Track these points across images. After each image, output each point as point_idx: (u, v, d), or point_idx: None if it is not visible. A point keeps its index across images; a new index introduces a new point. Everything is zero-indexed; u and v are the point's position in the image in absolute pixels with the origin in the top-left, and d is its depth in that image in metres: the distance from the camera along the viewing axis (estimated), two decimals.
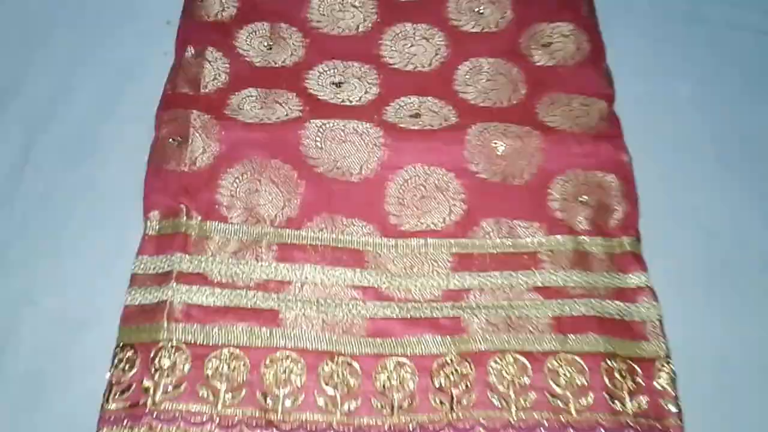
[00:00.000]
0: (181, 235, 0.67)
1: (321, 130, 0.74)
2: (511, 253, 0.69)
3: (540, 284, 0.67)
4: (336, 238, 0.69)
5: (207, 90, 0.77)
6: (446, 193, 0.72)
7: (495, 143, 0.74)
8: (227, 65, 0.79)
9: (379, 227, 0.70)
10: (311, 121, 0.74)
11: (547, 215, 0.71)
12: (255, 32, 0.82)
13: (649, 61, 0.85)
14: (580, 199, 0.72)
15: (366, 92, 0.78)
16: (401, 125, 0.75)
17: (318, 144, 0.73)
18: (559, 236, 0.70)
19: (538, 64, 0.81)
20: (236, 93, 0.77)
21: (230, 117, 0.74)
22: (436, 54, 0.82)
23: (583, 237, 0.70)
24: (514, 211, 0.71)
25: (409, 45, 0.82)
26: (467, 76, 0.80)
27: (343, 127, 0.74)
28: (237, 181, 0.71)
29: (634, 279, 0.68)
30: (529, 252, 0.69)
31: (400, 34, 0.83)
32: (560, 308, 0.66)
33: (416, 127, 0.75)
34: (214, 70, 0.78)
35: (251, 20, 0.83)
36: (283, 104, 0.76)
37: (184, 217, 0.68)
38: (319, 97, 0.77)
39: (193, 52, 0.80)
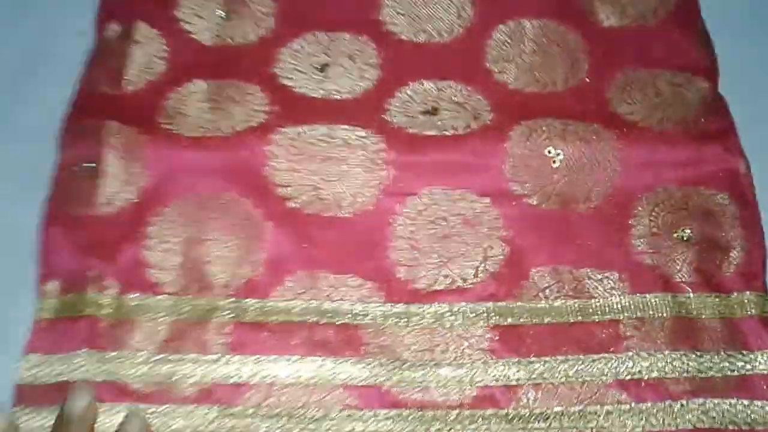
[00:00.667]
0: (88, 320, 0.45)
1: (296, 142, 0.51)
2: (579, 322, 0.46)
3: (626, 375, 0.45)
4: (319, 308, 0.47)
5: (133, 86, 0.54)
6: (479, 228, 0.49)
7: (550, 151, 0.51)
8: (165, 47, 0.56)
9: (382, 286, 0.48)
10: (281, 129, 0.51)
11: (630, 260, 0.48)
12: None
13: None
14: (679, 233, 0.49)
15: (361, 77, 0.54)
16: (411, 129, 0.52)
17: (292, 164, 0.50)
18: (650, 295, 0.47)
19: (605, 24, 0.57)
20: (176, 89, 0.54)
21: (165, 128, 0.51)
22: (460, 15, 0.57)
23: (686, 295, 0.47)
24: (580, 254, 0.48)
25: (421, 3, 0.58)
26: (504, 47, 0.56)
27: (327, 137, 0.51)
28: (172, 228, 0.48)
29: (764, 360, 0.45)
30: (606, 321, 0.46)
31: None
32: (659, 418, 0.44)
33: (433, 132, 0.51)
34: (146, 56, 0.55)
35: None
36: (243, 103, 0.53)
37: (95, 290, 0.46)
38: (294, 90, 0.54)
39: (117, 30, 0.56)
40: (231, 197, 0.49)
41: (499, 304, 0.47)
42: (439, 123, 0.52)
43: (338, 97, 0.54)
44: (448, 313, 0.47)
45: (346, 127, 0.52)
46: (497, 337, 0.46)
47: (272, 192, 0.50)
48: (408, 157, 0.51)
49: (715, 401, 0.44)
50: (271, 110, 0.52)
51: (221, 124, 0.51)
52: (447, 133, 0.51)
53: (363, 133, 0.51)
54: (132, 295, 0.46)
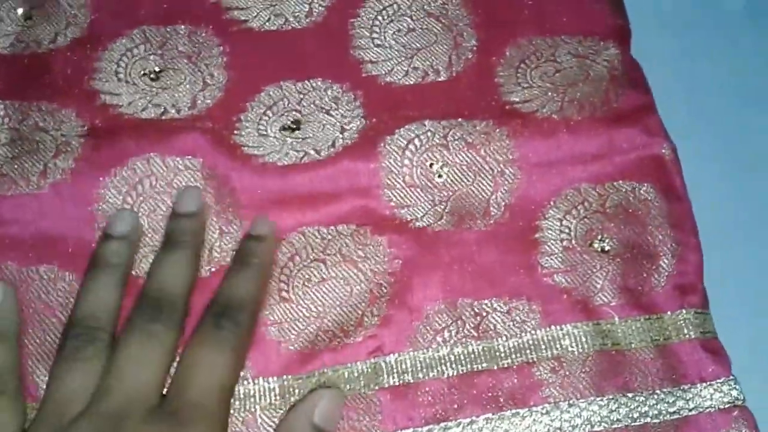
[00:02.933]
0: None
1: (130, 188, 0.41)
2: (486, 371, 0.38)
3: None
4: None
5: None
6: (363, 266, 0.40)
7: (431, 164, 0.41)
8: None
9: (253, 356, 0.38)
10: (107, 176, 0.41)
11: (541, 284, 0.39)
12: None
13: None
14: (596, 243, 0.40)
15: (203, 87, 0.44)
16: (266, 158, 0.42)
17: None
18: (568, 326, 0.38)
19: None
20: None
21: None
22: None
23: (610, 321, 0.38)
24: (481, 282, 0.39)
25: None
26: (374, 29, 0.46)
27: (168, 184, 0.41)
28: None
29: (708, 394, 0.37)
30: (517, 366, 0.38)
31: None
32: None
33: (291, 159, 0.41)
34: None
35: None
36: (53, 132, 0.42)
37: None
38: (119, 110, 0.43)
39: None
40: (51, 274, 0.39)
41: (388, 358, 0.38)
42: (302, 139, 0.42)
43: (176, 115, 0.43)
44: (330, 381, 0.38)
45: (179, 160, 0.41)
46: (387, 403, 0.37)
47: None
48: (266, 195, 0.41)
49: None
50: (85, 143, 0.42)
51: (26, 172, 0.41)
52: (309, 158, 0.41)
53: (209, 173, 0.41)
54: None
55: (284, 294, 0.39)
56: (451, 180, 0.41)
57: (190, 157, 0.41)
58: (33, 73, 0.44)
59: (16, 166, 0.41)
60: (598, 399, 0.37)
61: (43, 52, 0.44)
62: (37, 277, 0.39)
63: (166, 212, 0.40)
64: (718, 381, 0.37)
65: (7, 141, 0.41)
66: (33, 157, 0.41)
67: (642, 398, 0.37)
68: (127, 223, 0.38)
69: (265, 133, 0.42)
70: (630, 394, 0.37)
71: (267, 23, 0.46)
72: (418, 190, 0.41)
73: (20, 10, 0.46)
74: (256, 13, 0.46)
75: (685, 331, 0.38)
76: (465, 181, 0.41)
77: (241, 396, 0.37)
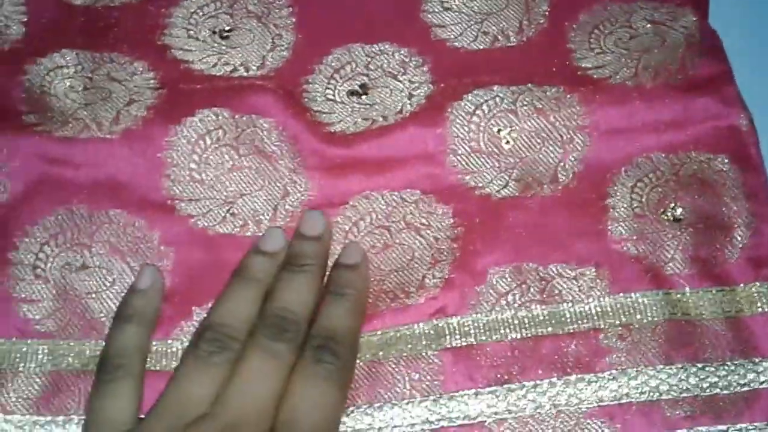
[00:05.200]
0: None
1: (199, 138, 0.41)
2: (550, 335, 0.37)
3: (611, 399, 0.36)
4: None
5: None
6: (426, 233, 0.40)
7: (499, 129, 0.41)
8: (23, 6, 0.45)
9: None
10: (179, 124, 0.41)
11: (610, 251, 0.39)
12: None
13: None
14: (668, 212, 0.39)
15: (272, 49, 0.44)
16: (335, 126, 0.42)
17: (194, 172, 0.41)
18: (636, 294, 0.38)
19: None
20: (37, 60, 0.43)
21: (22, 123, 0.41)
22: None
23: (681, 291, 0.38)
24: (547, 247, 0.39)
25: None
26: None
27: (235, 138, 0.41)
28: (48, 252, 0.39)
29: None
30: (583, 331, 0.37)
31: None
32: None
33: (359, 127, 0.41)
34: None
35: None
36: (126, 83, 0.43)
37: None
38: (189, 65, 0.44)
39: None
40: (120, 217, 0.40)
41: (450, 320, 0.38)
42: (369, 105, 0.42)
43: (245, 74, 0.43)
44: (393, 341, 0.38)
45: (256, 120, 0.42)
46: (449, 364, 0.37)
47: (173, 208, 0.40)
48: (334, 158, 0.41)
49: (722, 428, 0.35)
50: (161, 94, 0.42)
51: (99, 115, 0.41)
52: (377, 125, 0.41)
53: (275, 133, 0.41)
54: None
55: None
56: (519, 146, 0.40)
57: (258, 115, 0.41)
58: (106, 25, 0.45)
59: (89, 112, 0.42)
60: (667, 367, 0.36)
61: (116, 5, 0.45)
62: (107, 221, 0.40)
63: (231, 166, 0.41)
64: None
65: (80, 88, 0.42)
66: (107, 104, 0.42)
67: (712, 369, 0.36)
68: (278, 242, 0.38)
69: (332, 98, 0.42)
70: (700, 364, 0.36)
71: None
72: (485, 156, 0.40)
73: None
74: None
75: (759, 304, 0.37)
76: (533, 147, 0.40)
77: None
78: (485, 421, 0.36)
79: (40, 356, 0.37)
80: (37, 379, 0.37)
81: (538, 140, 0.40)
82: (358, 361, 0.37)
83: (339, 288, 0.37)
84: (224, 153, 0.41)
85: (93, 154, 0.40)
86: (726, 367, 0.36)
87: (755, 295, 0.37)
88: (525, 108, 0.41)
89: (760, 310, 0.37)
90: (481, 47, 0.43)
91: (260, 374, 0.33)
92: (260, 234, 0.39)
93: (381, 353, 0.37)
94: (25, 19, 0.44)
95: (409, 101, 0.42)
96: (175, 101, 0.42)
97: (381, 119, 0.41)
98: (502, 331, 0.37)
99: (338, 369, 0.34)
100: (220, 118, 0.41)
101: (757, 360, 0.36)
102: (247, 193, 0.40)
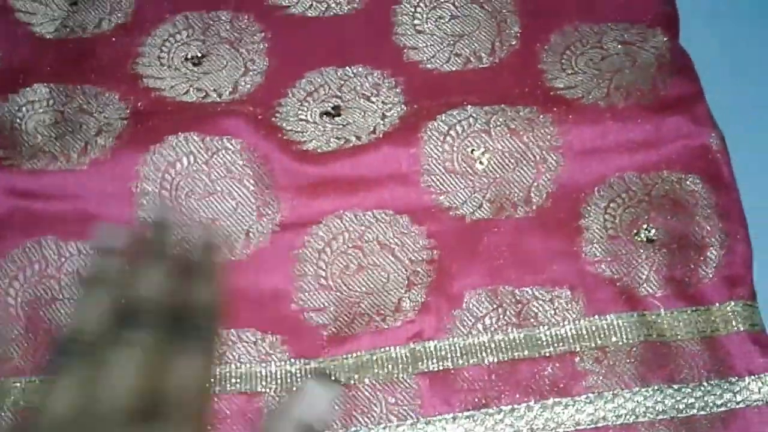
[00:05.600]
0: None
1: (168, 166, 0.41)
2: (527, 359, 0.37)
3: (588, 423, 0.36)
4: (224, 371, 0.37)
5: None
6: (400, 254, 0.39)
7: (473, 150, 0.41)
8: None
9: (289, 339, 0.38)
10: (146, 153, 0.41)
11: (584, 273, 0.39)
12: None
13: None
14: (641, 233, 0.39)
15: (244, 74, 0.44)
16: (307, 144, 0.42)
17: (166, 200, 0.40)
18: (611, 315, 0.38)
19: None
20: (11, 96, 0.43)
21: None
22: None
23: (655, 312, 0.38)
24: (522, 270, 0.39)
25: None
26: (417, 15, 0.45)
27: (205, 163, 0.41)
28: (17, 287, 0.39)
29: (756, 387, 0.36)
30: (559, 354, 0.37)
31: None
32: None
33: (332, 145, 0.41)
34: None
35: None
36: (97, 115, 0.42)
37: None
38: (161, 93, 0.43)
39: None
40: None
41: (427, 344, 0.38)
42: (340, 129, 0.42)
43: (217, 99, 0.43)
44: (367, 366, 0.37)
45: (227, 142, 0.41)
46: (426, 388, 0.37)
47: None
48: (305, 179, 0.41)
49: None
50: (129, 124, 0.42)
51: (69, 149, 0.41)
52: (350, 144, 0.41)
53: (248, 155, 0.41)
54: None
55: (322, 281, 0.39)
56: (493, 167, 0.40)
57: (229, 137, 0.41)
58: (78, 58, 0.44)
59: (58, 145, 0.41)
60: (644, 389, 0.36)
61: (88, 37, 0.45)
62: (76, 252, 0.39)
63: (203, 191, 0.40)
64: (766, 374, 0.36)
65: (51, 122, 0.42)
66: (75, 136, 0.41)
67: (688, 390, 0.36)
68: (115, 238, 0.38)
69: (305, 118, 0.42)
70: (676, 386, 0.36)
71: (309, 9, 0.46)
72: (458, 176, 0.40)
73: None
74: (298, 0, 0.46)
75: (734, 323, 0.37)
76: (506, 167, 0.40)
77: (278, 376, 0.37)
78: None
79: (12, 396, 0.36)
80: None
81: (512, 161, 0.40)
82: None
83: (195, 265, 0.37)
84: (195, 179, 0.40)
85: (61, 185, 0.40)
86: (702, 388, 0.36)
87: (730, 314, 0.37)
88: (498, 128, 0.41)
89: (735, 329, 0.37)
90: (454, 68, 0.43)
91: (119, 364, 0.32)
92: (233, 260, 0.39)
93: (356, 376, 0.37)
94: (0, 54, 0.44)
95: (382, 122, 0.42)
96: (144, 129, 0.41)
97: (354, 139, 0.41)
98: (479, 355, 0.37)
99: (202, 341, 0.34)
100: (189, 142, 0.41)
101: (733, 380, 0.36)
102: (220, 217, 0.40)
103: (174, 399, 0.32)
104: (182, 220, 0.40)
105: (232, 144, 0.41)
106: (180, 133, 0.41)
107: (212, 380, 0.35)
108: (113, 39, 0.45)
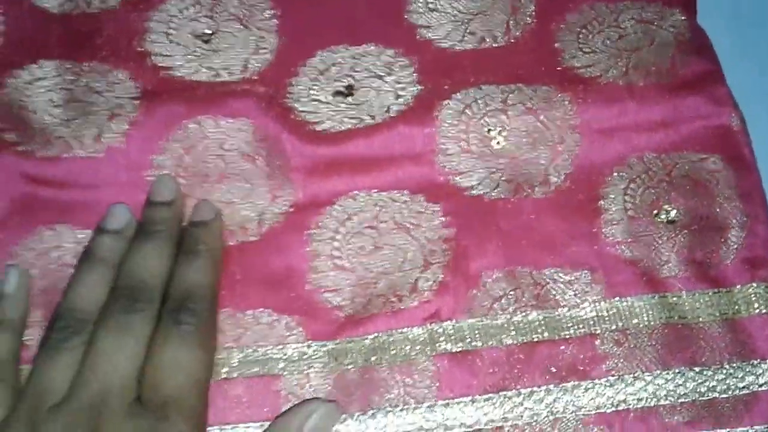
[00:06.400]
0: None
1: (184, 152, 0.40)
2: (546, 341, 0.37)
3: (609, 406, 0.35)
4: (227, 360, 0.36)
5: None
6: (416, 233, 0.39)
7: (489, 129, 0.40)
8: (0, 18, 0.43)
9: (305, 320, 0.37)
10: (161, 140, 0.40)
11: (604, 254, 0.38)
12: None
13: None
14: (662, 214, 0.39)
15: (254, 52, 0.43)
16: (320, 125, 0.41)
17: (182, 188, 0.39)
18: (632, 298, 0.37)
19: None
20: (15, 72, 0.41)
21: (3, 141, 0.40)
22: None
23: (677, 294, 0.37)
24: (541, 251, 0.38)
25: None
26: None
27: (220, 146, 0.40)
28: (37, 275, 0.38)
29: None
30: (579, 337, 0.37)
31: None
32: None
33: (346, 125, 0.40)
34: None
35: None
36: (107, 94, 0.41)
37: None
38: (171, 72, 0.42)
39: None
40: None
41: (445, 324, 0.37)
42: (355, 105, 0.41)
43: (228, 79, 0.42)
44: (385, 345, 0.37)
45: (237, 122, 0.40)
46: (444, 370, 0.36)
47: None
48: (318, 160, 0.40)
49: None
50: (140, 104, 0.41)
51: (80, 133, 0.40)
52: (363, 123, 0.40)
53: (261, 136, 0.40)
54: None
55: (337, 261, 0.38)
56: (509, 146, 0.40)
57: (243, 118, 0.40)
58: (84, 33, 0.43)
59: (71, 129, 0.40)
60: (665, 372, 0.35)
61: (94, 12, 0.43)
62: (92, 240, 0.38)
63: (218, 175, 0.39)
64: None
65: (61, 102, 0.41)
66: (87, 120, 0.40)
67: (710, 372, 0.35)
68: (122, 219, 0.37)
69: (318, 98, 0.41)
70: (697, 368, 0.35)
71: None
72: (475, 156, 0.40)
73: None
74: None
75: (756, 305, 0.36)
76: (523, 147, 0.40)
77: (295, 358, 0.36)
78: (481, 429, 0.35)
79: None
80: None
81: (529, 140, 0.40)
82: (350, 366, 0.36)
83: (191, 246, 0.36)
84: (209, 163, 0.39)
85: (77, 173, 0.39)
86: (724, 371, 0.35)
87: (752, 296, 0.37)
88: (515, 107, 0.40)
89: (757, 311, 0.36)
90: (469, 47, 0.42)
91: (115, 349, 0.32)
92: (246, 241, 0.38)
93: (374, 358, 0.36)
94: (2, 29, 0.42)
95: (395, 101, 0.41)
96: (158, 115, 0.40)
97: (368, 118, 0.40)
98: (497, 337, 0.37)
99: (197, 328, 0.33)
100: (203, 127, 0.40)
101: (755, 362, 0.35)
102: (235, 201, 0.39)
103: (170, 393, 0.31)
104: (186, 198, 0.38)
105: (245, 125, 0.40)
106: (194, 118, 0.40)
107: (210, 368, 0.34)
108: (119, 14, 0.43)
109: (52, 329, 0.34)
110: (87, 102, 0.41)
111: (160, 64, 0.42)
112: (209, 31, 0.43)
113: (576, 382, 0.35)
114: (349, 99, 0.41)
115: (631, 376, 0.35)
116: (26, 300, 0.36)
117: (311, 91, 0.42)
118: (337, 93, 0.42)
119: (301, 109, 0.41)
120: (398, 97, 0.41)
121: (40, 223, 0.38)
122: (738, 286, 0.37)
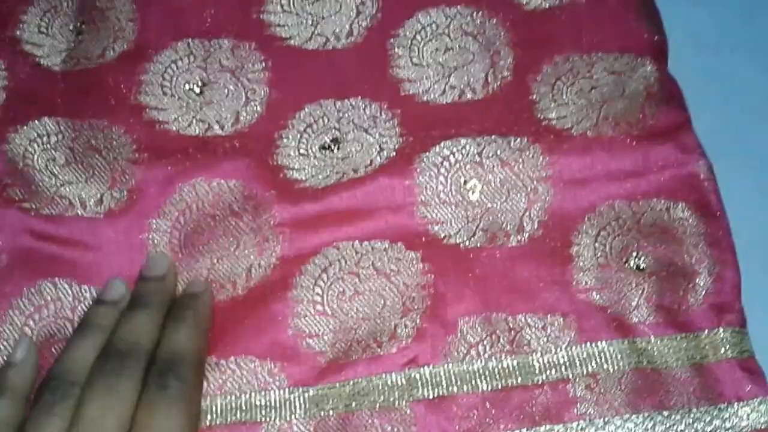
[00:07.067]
0: None
1: (179, 214, 0.42)
2: (520, 386, 0.38)
3: None
4: (224, 402, 0.38)
5: None
6: (396, 280, 0.40)
7: (465, 181, 0.42)
8: (4, 74, 0.45)
9: (287, 365, 0.39)
10: (158, 205, 0.42)
11: (576, 300, 0.39)
12: (55, 9, 0.47)
13: None
14: (632, 261, 0.40)
15: (245, 104, 0.45)
16: (306, 182, 0.43)
17: (174, 247, 0.41)
18: (603, 343, 0.38)
19: (528, 6, 0.47)
20: (18, 129, 0.44)
21: (8, 197, 0.42)
22: (359, 12, 0.47)
23: (646, 339, 0.38)
24: (515, 297, 0.40)
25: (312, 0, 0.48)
26: (412, 47, 0.46)
27: (211, 206, 0.42)
28: (32, 325, 0.40)
29: (745, 413, 0.37)
30: (552, 382, 0.38)
31: None
32: None
33: (331, 180, 0.42)
34: None
35: None
36: (106, 153, 0.43)
37: None
38: (165, 126, 0.44)
39: None
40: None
41: (422, 370, 0.39)
42: (341, 158, 0.43)
43: (220, 132, 0.44)
44: (365, 391, 0.38)
45: (231, 185, 0.42)
46: (421, 415, 0.38)
47: None
48: (304, 214, 0.42)
49: None
50: (139, 158, 0.43)
51: (83, 193, 0.42)
52: (348, 177, 0.42)
53: (249, 195, 0.42)
54: None
55: (318, 307, 0.40)
56: (485, 197, 0.41)
57: (233, 180, 0.42)
58: (84, 89, 0.45)
59: (73, 190, 0.42)
60: (634, 416, 0.37)
61: (93, 67, 0.46)
62: (90, 297, 0.40)
63: (208, 233, 0.41)
64: (755, 400, 0.37)
65: (63, 162, 0.43)
66: (89, 183, 0.42)
67: (678, 416, 0.37)
68: (118, 291, 0.39)
69: (305, 153, 0.43)
70: (666, 413, 0.37)
71: (308, 42, 0.47)
72: (452, 206, 0.41)
73: (74, 25, 0.47)
74: (298, 32, 0.47)
75: (722, 350, 0.38)
76: (498, 197, 0.41)
77: (277, 405, 0.38)
78: None
79: None
80: None
81: (504, 191, 0.41)
82: (331, 412, 0.38)
83: (179, 313, 0.38)
84: (201, 222, 0.41)
85: (77, 232, 0.41)
86: (692, 415, 0.37)
87: (719, 341, 0.38)
88: (490, 159, 0.42)
89: (724, 356, 0.37)
90: (449, 101, 0.44)
91: (101, 412, 0.33)
92: (234, 295, 0.40)
93: (353, 404, 0.38)
94: (5, 84, 0.45)
95: (378, 155, 0.43)
96: (155, 180, 0.42)
97: (352, 173, 0.42)
98: (473, 382, 0.38)
99: (183, 391, 0.34)
100: (197, 188, 0.42)
101: (722, 406, 0.37)
102: (224, 256, 0.41)
103: None
104: (178, 270, 0.41)
105: (235, 186, 0.42)
106: (188, 181, 0.42)
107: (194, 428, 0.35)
108: (116, 67, 0.45)
109: (44, 390, 0.35)
110: (88, 164, 0.43)
111: (154, 118, 0.44)
112: (201, 83, 0.45)
113: (549, 426, 0.37)
114: (336, 152, 0.43)
115: (602, 420, 0.37)
116: (33, 370, 0.38)
117: (300, 145, 0.44)
118: (324, 147, 0.44)
119: (290, 166, 0.43)
120: (381, 150, 0.43)
121: (41, 276, 0.40)
122: (705, 331, 0.38)
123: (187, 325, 0.37)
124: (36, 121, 0.44)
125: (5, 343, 0.39)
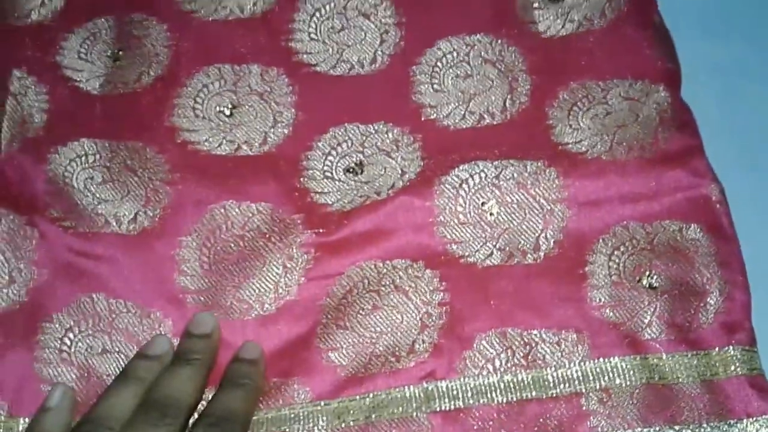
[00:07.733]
0: None
1: (209, 233, 0.44)
2: (534, 399, 0.39)
3: None
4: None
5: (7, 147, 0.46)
6: (414, 296, 0.42)
7: (483, 203, 0.44)
8: (45, 97, 0.48)
9: (309, 380, 0.41)
10: (190, 224, 0.44)
11: (589, 317, 0.41)
12: (94, 36, 0.50)
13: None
14: (644, 280, 0.42)
15: (273, 124, 0.47)
16: (332, 206, 0.45)
17: (204, 265, 0.43)
18: (615, 358, 0.40)
19: (545, 35, 0.49)
20: (58, 149, 0.46)
21: (49, 216, 0.44)
22: (383, 41, 0.50)
23: (657, 356, 0.40)
24: (531, 314, 0.41)
25: (338, 28, 0.50)
26: (434, 74, 0.48)
27: (241, 227, 0.44)
28: (72, 338, 0.42)
29: (754, 429, 0.38)
30: (565, 395, 0.39)
31: (322, 11, 0.50)
32: None
33: (356, 203, 0.44)
34: (24, 108, 0.47)
35: (88, 17, 0.50)
36: (141, 173, 0.46)
37: None
38: (196, 146, 0.46)
39: None
40: (137, 306, 0.43)
41: (440, 383, 0.40)
42: (363, 186, 0.45)
43: (249, 152, 0.46)
44: (384, 403, 0.40)
45: (261, 207, 0.44)
46: (438, 426, 0.39)
47: (184, 301, 0.43)
48: (329, 237, 0.44)
49: None
50: (172, 177, 0.45)
51: (119, 211, 0.44)
52: (371, 200, 0.44)
53: (277, 217, 0.44)
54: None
55: (340, 322, 0.41)
56: (503, 218, 0.43)
57: (262, 203, 0.44)
58: (120, 112, 0.47)
59: (109, 208, 0.44)
60: (645, 430, 0.38)
61: (129, 92, 0.48)
62: (125, 310, 0.42)
63: (238, 254, 0.43)
64: (764, 417, 0.38)
65: (100, 181, 0.45)
66: (125, 203, 0.44)
67: (688, 431, 0.38)
68: (161, 347, 0.40)
69: (330, 175, 0.45)
70: (677, 427, 0.38)
71: (334, 68, 0.49)
72: (471, 227, 0.43)
73: (111, 51, 0.50)
74: (324, 58, 0.49)
75: (732, 367, 0.39)
76: (516, 218, 0.43)
77: (300, 418, 0.39)
78: None
79: None
80: None
81: (521, 212, 0.43)
82: (351, 423, 0.39)
83: (236, 378, 0.39)
84: (230, 242, 0.43)
85: (112, 248, 0.43)
86: (702, 429, 0.38)
87: (730, 358, 0.39)
88: (508, 182, 0.43)
89: (734, 373, 0.39)
90: (468, 125, 0.46)
91: None
92: (263, 314, 0.42)
93: (373, 416, 0.39)
94: (47, 107, 0.47)
95: (401, 179, 0.45)
96: (187, 201, 0.44)
97: (375, 195, 0.44)
98: (489, 395, 0.39)
99: None
100: (228, 210, 0.44)
101: (732, 422, 0.38)
102: (252, 275, 0.43)
103: None
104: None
105: (264, 208, 0.44)
106: (220, 203, 0.44)
107: None
108: (152, 91, 0.48)
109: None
110: (124, 183, 0.45)
111: (186, 139, 0.46)
112: (232, 105, 0.48)
113: None
114: (360, 176, 0.45)
115: None
116: (68, 415, 0.39)
117: (325, 167, 0.45)
118: (348, 170, 0.45)
119: (316, 189, 0.45)
120: (403, 173, 0.45)
121: (80, 291, 0.43)
122: (716, 349, 0.39)
123: (243, 390, 0.38)
124: (75, 142, 0.46)
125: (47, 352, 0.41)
